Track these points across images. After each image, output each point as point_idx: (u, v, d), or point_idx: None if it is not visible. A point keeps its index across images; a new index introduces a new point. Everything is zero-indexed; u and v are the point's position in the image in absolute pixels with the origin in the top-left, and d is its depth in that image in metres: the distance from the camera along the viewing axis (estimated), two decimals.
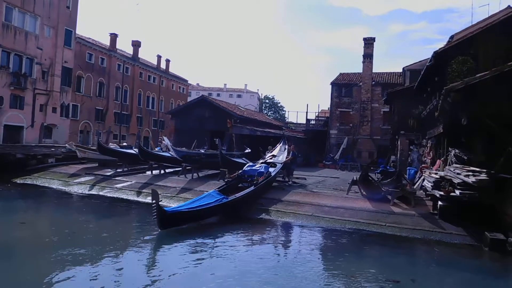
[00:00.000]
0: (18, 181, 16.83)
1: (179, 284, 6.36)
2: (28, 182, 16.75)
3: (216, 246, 8.57)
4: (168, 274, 6.67)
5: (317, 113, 40.96)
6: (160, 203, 8.93)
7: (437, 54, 13.25)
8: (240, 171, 13.36)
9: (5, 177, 16.81)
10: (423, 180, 13.13)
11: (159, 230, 9.01)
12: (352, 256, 8.47)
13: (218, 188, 11.94)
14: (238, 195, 11.30)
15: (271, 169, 14.08)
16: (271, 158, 15.84)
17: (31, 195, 14.83)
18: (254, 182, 12.33)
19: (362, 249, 9.22)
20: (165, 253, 8.10)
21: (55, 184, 16.26)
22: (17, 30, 25.54)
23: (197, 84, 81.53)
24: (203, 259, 7.61)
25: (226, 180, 12.90)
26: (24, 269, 6.64)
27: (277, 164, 15.07)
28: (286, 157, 15.78)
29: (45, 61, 27.75)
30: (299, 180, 17.04)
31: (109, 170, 18.05)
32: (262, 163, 14.73)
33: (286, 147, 16.94)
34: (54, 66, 28.44)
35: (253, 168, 13.48)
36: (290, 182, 15.31)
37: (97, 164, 19.60)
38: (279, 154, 16.41)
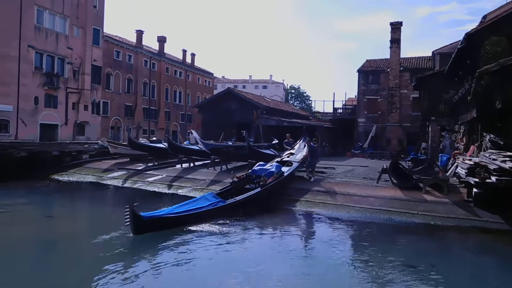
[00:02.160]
0: (55, 177, 17.62)
1: (211, 273, 6.50)
2: (64, 179, 17.50)
3: (245, 237, 8.65)
4: (195, 264, 6.84)
5: (344, 102, 40.27)
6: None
7: (469, 36, 12.72)
8: (249, 171, 12.41)
9: (44, 174, 17.67)
10: (456, 167, 12.75)
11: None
12: (381, 245, 8.41)
13: (222, 189, 11.46)
14: (238, 198, 10.27)
15: (284, 169, 12.93)
16: (288, 156, 14.58)
17: (67, 190, 15.54)
18: (261, 183, 11.13)
19: (392, 238, 9.12)
20: (193, 244, 8.00)
21: (90, 179, 16.91)
22: (48, 32, 26.48)
23: (223, 76, 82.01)
24: (232, 249, 7.75)
25: (232, 180, 11.63)
26: (28, 263, 6.89)
27: (293, 163, 13.77)
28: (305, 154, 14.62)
29: (76, 61, 28.69)
30: (327, 170, 16.93)
31: (140, 164, 18.60)
32: (277, 161, 13.62)
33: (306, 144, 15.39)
34: (84, 65, 29.37)
35: (264, 167, 12.35)
36: (312, 179, 14.00)
37: (128, 159, 20.22)
38: (298, 152, 14.94)
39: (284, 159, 14.26)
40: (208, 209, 9.35)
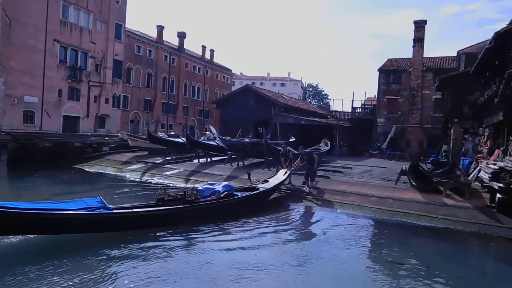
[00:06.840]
0: (77, 167, 18.08)
1: (227, 269, 6.51)
2: (86, 169, 17.91)
3: (259, 235, 8.57)
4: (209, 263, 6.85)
5: (363, 101, 39.76)
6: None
7: (498, 35, 12.29)
8: (195, 189, 9.65)
9: (66, 164, 18.19)
10: (479, 171, 12.42)
11: None
12: (395, 247, 8.24)
13: (144, 203, 8.89)
14: (138, 210, 7.90)
15: (241, 194, 10.36)
16: (263, 182, 12.28)
17: (87, 180, 15.93)
18: (189, 199, 8.76)
19: (408, 240, 8.95)
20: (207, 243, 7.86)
21: (110, 171, 17.26)
22: (72, 26, 27.02)
23: (241, 73, 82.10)
24: (246, 248, 7.64)
25: (158, 197, 8.67)
26: None
27: (260, 188, 11.36)
28: (293, 164, 13.34)
29: (98, 55, 29.19)
30: (344, 169, 16.75)
31: (159, 158, 18.85)
32: (244, 189, 11.29)
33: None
34: (106, 59, 29.86)
35: (211, 187, 10.00)
36: (307, 190, 12.43)
37: (147, 152, 20.53)
38: (275, 180, 12.49)
39: (253, 185, 11.81)
40: (77, 214, 6.75)
